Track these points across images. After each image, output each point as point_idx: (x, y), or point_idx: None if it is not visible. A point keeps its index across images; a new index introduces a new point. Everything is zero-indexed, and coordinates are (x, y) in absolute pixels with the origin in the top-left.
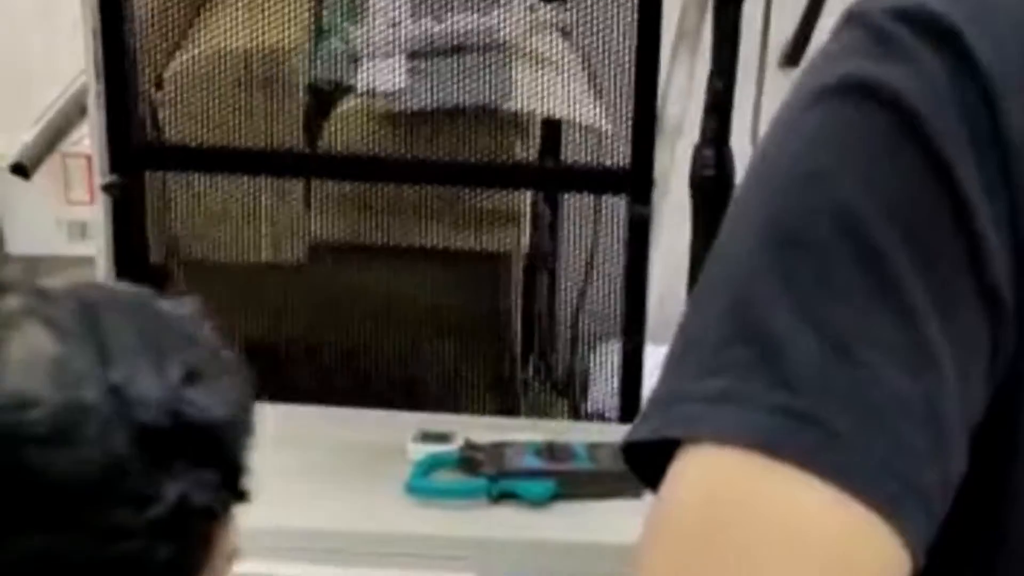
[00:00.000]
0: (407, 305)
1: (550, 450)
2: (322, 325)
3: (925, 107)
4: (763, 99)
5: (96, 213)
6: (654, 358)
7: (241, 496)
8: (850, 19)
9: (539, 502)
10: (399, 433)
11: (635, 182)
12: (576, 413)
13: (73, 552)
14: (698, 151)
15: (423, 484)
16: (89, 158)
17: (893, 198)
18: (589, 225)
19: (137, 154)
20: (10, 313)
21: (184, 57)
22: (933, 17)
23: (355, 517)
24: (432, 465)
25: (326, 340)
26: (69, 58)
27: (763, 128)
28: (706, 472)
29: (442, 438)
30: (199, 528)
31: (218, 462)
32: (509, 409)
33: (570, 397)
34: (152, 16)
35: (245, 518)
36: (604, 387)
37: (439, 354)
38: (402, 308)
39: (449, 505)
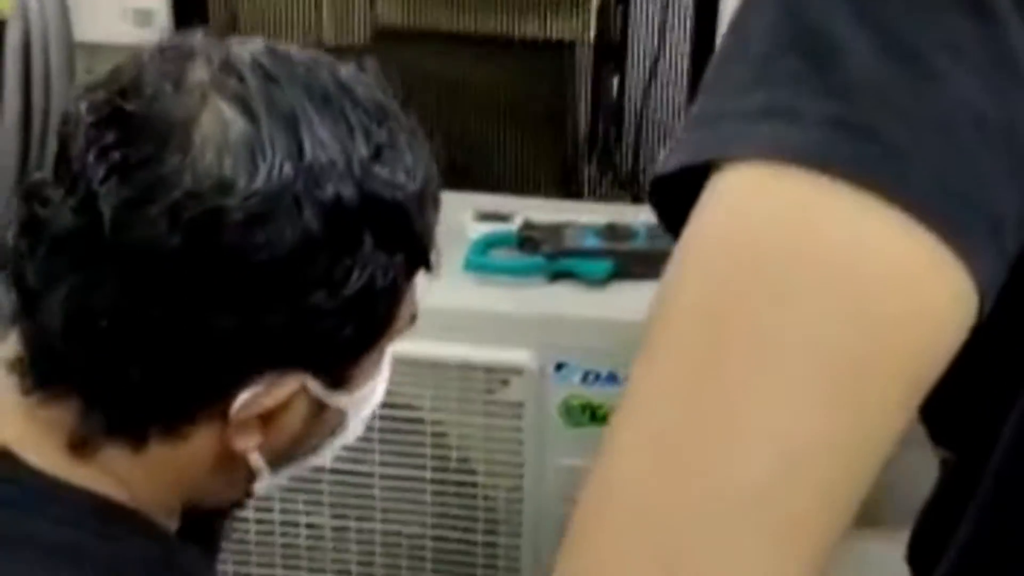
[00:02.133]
0: (472, 91)
1: (609, 230)
2: None
3: None
4: None
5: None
6: None
7: (428, 266)
8: None
9: (596, 281)
10: (459, 214)
11: None
12: (639, 202)
13: (266, 332)
14: None
15: (481, 261)
16: None
17: None
18: (656, 11)
19: None
20: (199, 86)
21: None
22: None
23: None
24: (491, 244)
25: None
26: None
27: None
28: (740, 195)
29: (502, 218)
30: (384, 306)
31: (405, 239)
32: (572, 197)
33: (632, 187)
34: None
35: None
36: None
37: (503, 141)
38: (467, 94)
39: (506, 283)
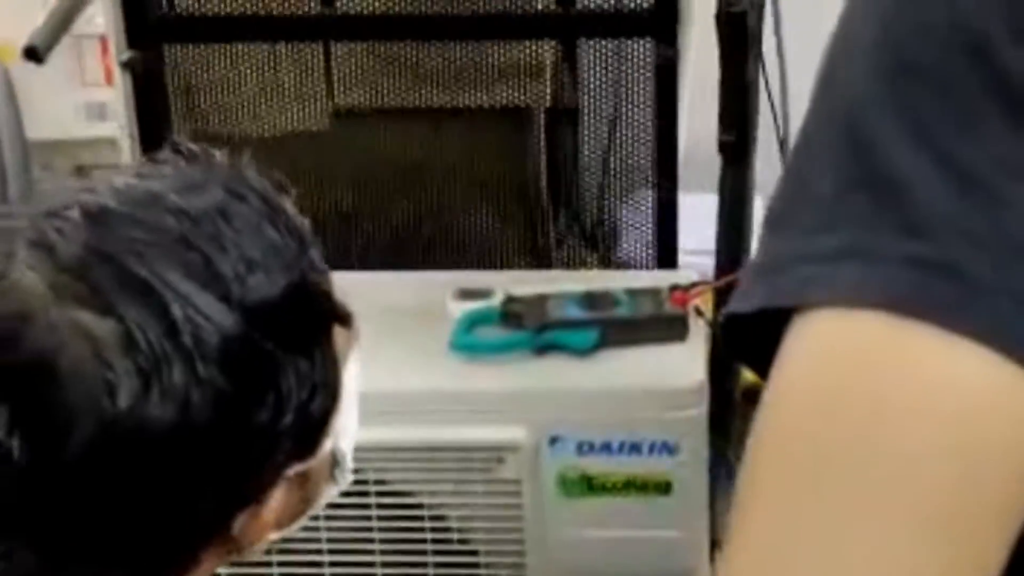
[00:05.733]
0: (433, 166)
1: (590, 299)
2: (350, 191)
3: None
4: None
5: (114, 93)
6: (686, 206)
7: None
8: None
9: (583, 351)
10: (436, 293)
11: (660, 23)
12: (608, 263)
13: (227, 487)
14: None
15: (467, 341)
16: (103, 38)
17: (1019, 8)
18: (612, 72)
19: (153, 28)
20: (43, 311)
21: None
22: None
23: (401, 377)
24: (474, 322)
25: (356, 206)
26: None
27: None
28: (828, 339)
29: (482, 294)
30: (320, 391)
31: (305, 334)
32: (542, 263)
33: (600, 248)
34: None
35: None
36: (637, 236)
37: (469, 213)
38: (429, 169)
39: (494, 360)
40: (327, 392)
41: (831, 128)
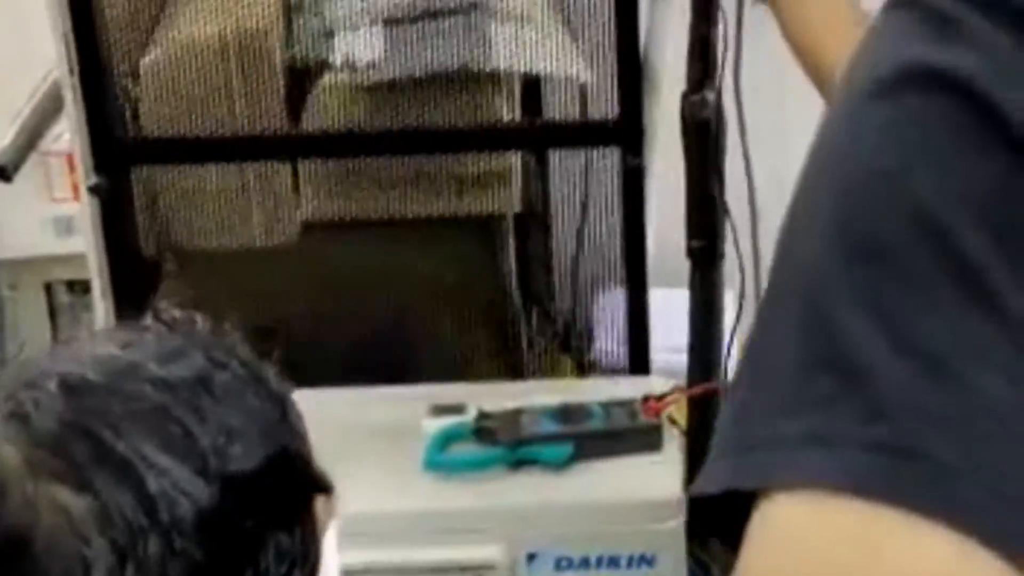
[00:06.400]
0: (404, 277)
1: (565, 412)
2: (321, 305)
3: (1001, 92)
4: (743, 36)
5: (82, 210)
6: (657, 301)
7: (322, 489)
8: (899, 1)
9: (558, 465)
10: (410, 408)
11: (626, 133)
12: (581, 367)
13: None
14: (686, 97)
15: (441, 459)
16: (70, 155)
17: (976, 194)
18: (579, 180)
19: (120, 151)
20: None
21: (158, 47)
22: None
23: (375, 498)
24: (448, 439)
25: (326, 320)
26: (40, 57)
27: (745, 67)
28: (799, 527)
29: (455, 410)
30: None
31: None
32: (516, 371)
33: (574, 352)
34: (123, 7)
35: None
36: (609, 339)
37: (442, 324)
38: (400, 281)
39: (469, 477)
40: (306, 566)
41: (791, 302)
